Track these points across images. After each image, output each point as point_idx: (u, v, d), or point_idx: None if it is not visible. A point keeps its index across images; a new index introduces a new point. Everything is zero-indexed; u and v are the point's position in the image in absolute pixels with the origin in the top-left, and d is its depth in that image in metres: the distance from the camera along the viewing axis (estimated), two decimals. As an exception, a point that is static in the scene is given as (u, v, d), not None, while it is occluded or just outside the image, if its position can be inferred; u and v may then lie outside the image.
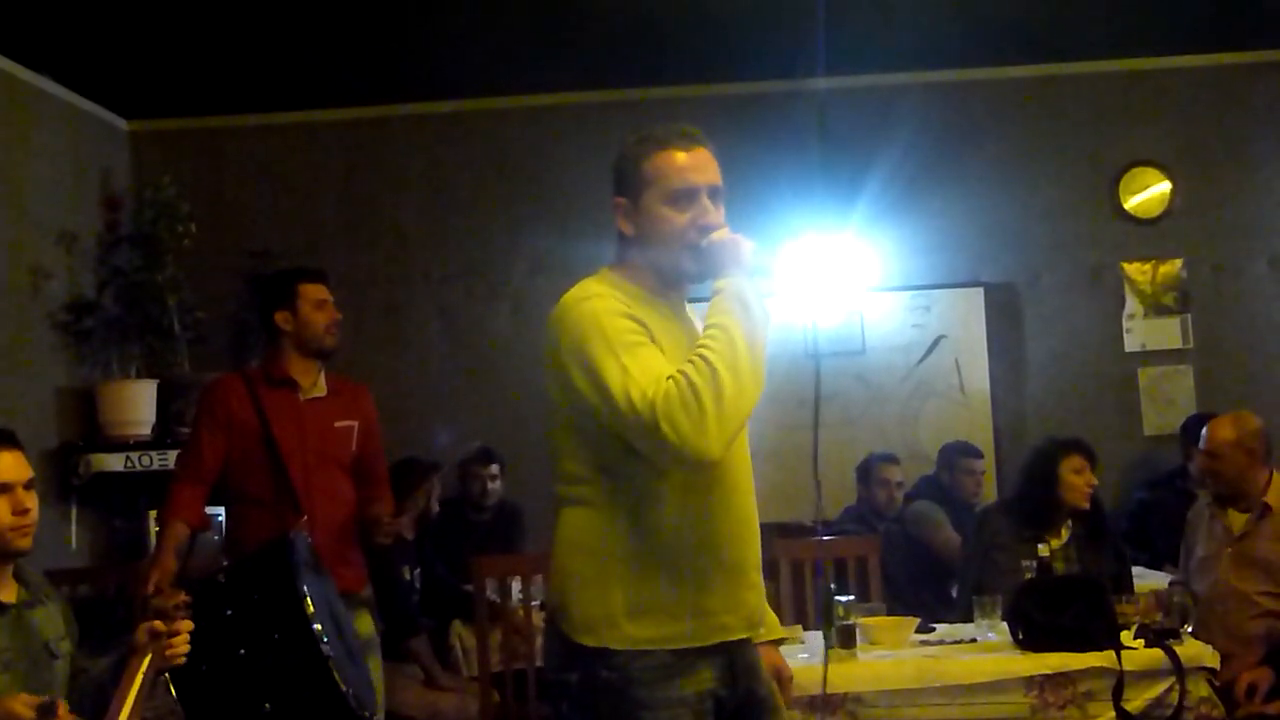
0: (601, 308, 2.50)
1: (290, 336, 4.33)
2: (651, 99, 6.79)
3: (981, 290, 6.80)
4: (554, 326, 2.56)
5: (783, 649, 3.62)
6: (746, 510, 2.65)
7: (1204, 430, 4.80)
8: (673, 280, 2.64)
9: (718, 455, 2.38)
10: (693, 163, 2.60)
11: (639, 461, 2.48)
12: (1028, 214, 6.85)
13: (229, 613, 3.52)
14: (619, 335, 2.45)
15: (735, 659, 2.64)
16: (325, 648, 3.52)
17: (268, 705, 3.47)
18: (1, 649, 2.98)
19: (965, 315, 6.80)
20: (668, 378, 2.38)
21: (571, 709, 2.59)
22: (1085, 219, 6.85)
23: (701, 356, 2.39)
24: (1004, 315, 6.81)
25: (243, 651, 3.47)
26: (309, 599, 3.56)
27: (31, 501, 3.07)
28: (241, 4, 5.39)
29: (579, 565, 2.58)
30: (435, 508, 5.85)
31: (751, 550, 2.65)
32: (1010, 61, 6.75)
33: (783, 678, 2.91)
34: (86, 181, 6.45)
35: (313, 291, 4.35)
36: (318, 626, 3.53)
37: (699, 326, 2.58)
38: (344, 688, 3.53)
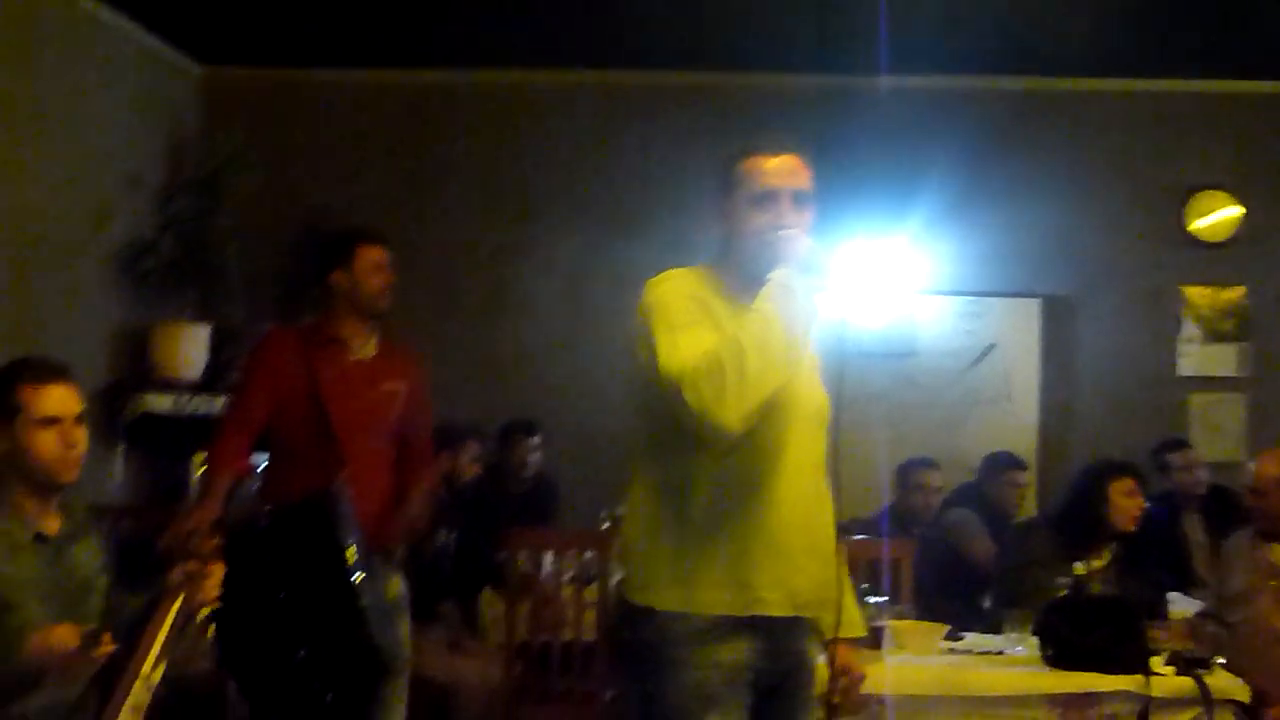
0: (671, 289, 2.72)
1: (344, 296, 4.34)
2: (715, 85, 6.80)
3: (1037, 301, 6.76)
4: (638, 306, 2.75)
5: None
6: (804, 498, 2.76)
7: (1251, 465, 4.75)
8: (755, 277, 2.73)
9: (734, 428, 2.54)
10: (778, 167, 2.75)
11: (686, 437, 2.63)
12: (1090, 228, 6.79)
13: (269, 558, 3.56)
14: (679, 315, 2.66)
15: (779, 638, 2.75)
16: (363, 600, 3.55)
17: (301, 652, 3.51)
18: (41, 580, 3.02)
19: (1019, 325, 6.76)
20: (703, 353, 2.55)
21: (623, 663, 2.83)
22: (1148, 238, 6.79)
23: (735, 337, 2.56)
24: (1058, 328, 6.76)
25: (282, 596, 3.51)
26: (350, 551, 3.60)
27: (80, 435, 3.11)
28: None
29: (635, 531, 2.79)
30: (470, 471, 5.85)
31: (805, 536, 2.75)
32: (1086, 73, 6.69)
33: (852, 676, 2.94)
34: (154, 123, 6.50)
35: (370, 254, 4.35)
36: (356, 578, 3.57)
37: None
38: (376, 641, 3.57)
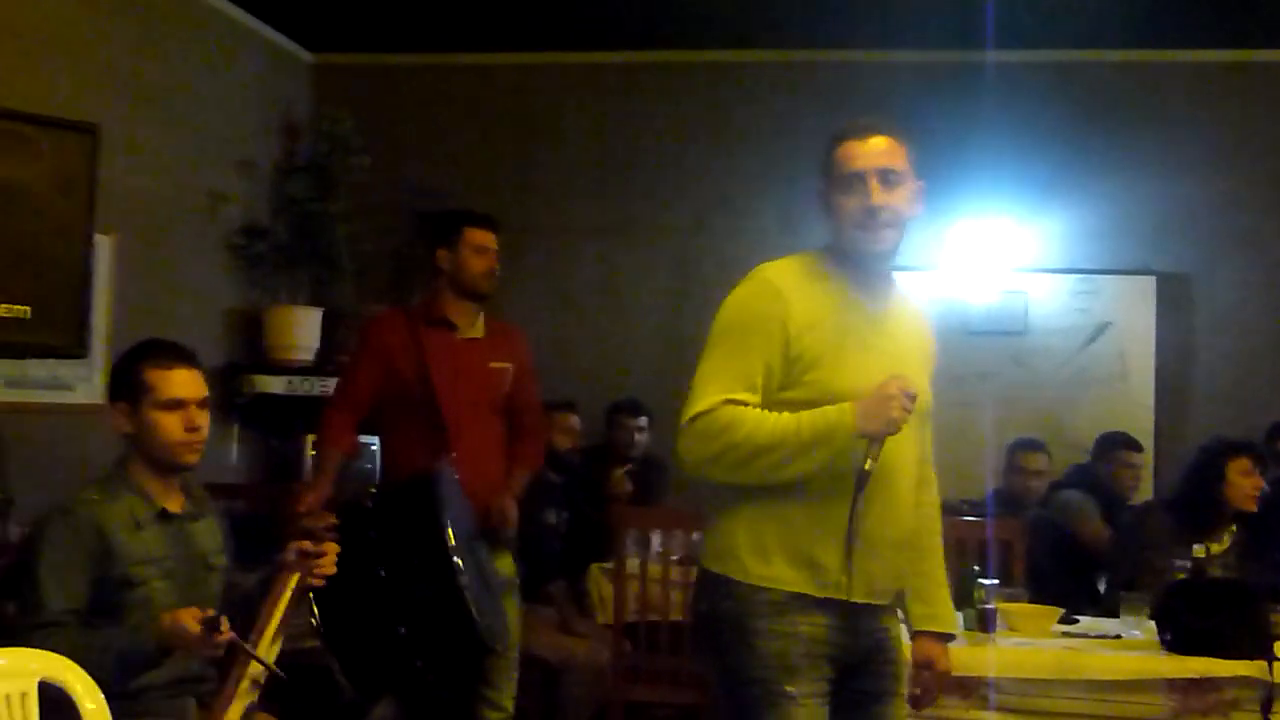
0: (749, 295, 2.74)
1: (447, 276, 4.38)
2: (820, 63, 6.75)
3: (1153, 279, 6.61)
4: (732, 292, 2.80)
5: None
6: (897, 492, 2.75)
7: None
8: (856, 259, 2.77)
9: (706, 481, 2.69)
10: (862, 150, 2.75)
11: None
12: (1208, 203, 6.62)
13: (372, 535, 3.61)
14: (730, 345, 2.70)
15: (859, 618, 2.74)
16: (462, 579, 3.58)
17: (402, 629, 3.55)
18: (163, 557, 3.08)
19: (1134, 303, 6.62)
20: (726, 401, 2.62)
21: (701, 634, 2.83)
22: (1268, 213, 6.60)
23: (758, 424, 2.60)
24: (1175, 306, 6.61)
25: (382, 573, 3.55)
26: (450, 530, 3.63)
27: (204, 420, 3.16)
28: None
29: (717, 502, 2.79)
30: (564, 443, 5.87)
31: (890, 529, 2.75)
32: (1202, 45, 6.52)
33: (935, 669, 2.94)
34: (268, 110, 6.62)
35: (476, 236, 4.38)
36: (457, 560, 3.59)
37: (905, 306, 2.87)
38: (477, 619, 3.59)
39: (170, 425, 3.10)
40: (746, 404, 2.63)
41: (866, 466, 2.58)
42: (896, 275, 2.90)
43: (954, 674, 3.14)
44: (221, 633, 2.79)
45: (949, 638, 2.99)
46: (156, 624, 2.87)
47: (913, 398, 2.59)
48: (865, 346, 2.72)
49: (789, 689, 2.65)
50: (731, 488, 2.74)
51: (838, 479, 2.64)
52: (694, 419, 2.63)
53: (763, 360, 2.67)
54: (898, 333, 2.83)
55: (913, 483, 2.82)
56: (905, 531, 2.80)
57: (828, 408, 2.60)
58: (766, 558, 2.69)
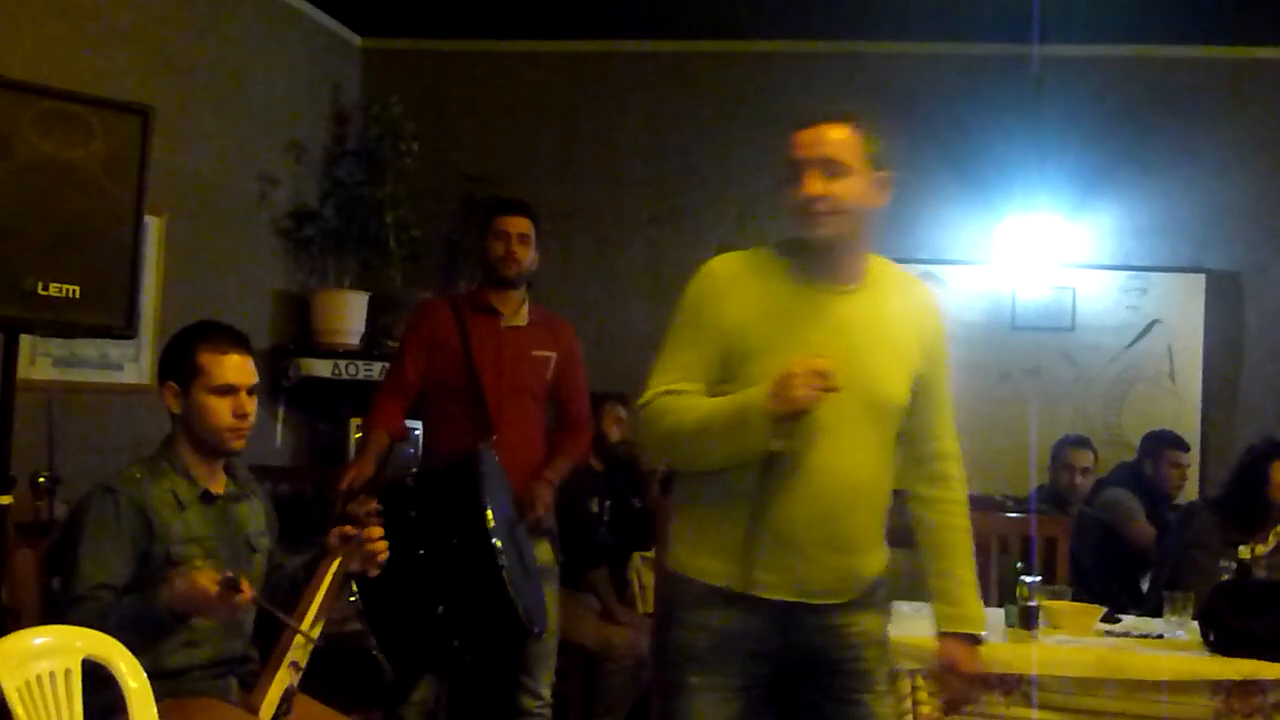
0: (692, 288, 2.79)
1: (480, 263, 4.43)
2: (867, 54, 6.71)
3: (1203, 277, 6.56)
4: None
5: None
6: (836, 489, 2.68)
7: None
8: (811, 249, 2.74)
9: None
10: (800, 140, 2.74)
11: None
12: (1259, 201, 6.55)
13: (412, 514, 3.62)
14: (680, 334, 2.77)
15: (792, 618, 2.71)
16: (501, 559, 3.59)
17: (441, 608, 3.56)
18: (205, 536, 3.10)
19: (1183, 301, 6.57)
20: (666, 391, 2.68)
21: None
22: (1320, 212, 6.53)
23: (687, 411, 2.65)
24: (1225, 305, 6.55)
25: (422, 552, 3.56)
26: (490, 512, 3.64)
27: (252, 406, 3.16)
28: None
29: (676, 496, 2.89)
30: (615, 434, 5.88)
31: (818, 529, 2.69)
32: (1253, 40, 6.44)
33: (961, 671, 2.89)
34: (318, 95, 6.65)
35: (498, 223, 4.38)
36: (496, 541, 3.60)
37: (885, 297, 2.77)
38: (516, 600, 3.60)
39: (220, 410, 3.11)
40: (684, 393, 2.67)
41: (774, 447, 2.56)
42: (884, 265, 2.83)
43: (996, 671, 3.09)
44: (241, 593, 2.76)
45: (975, 639, 2.91)
46: (170, 585, 2.84)
47: (823, 376, 2.49)
48: (807, 340, 2.64)
49: (692, 679, 2.70)
50: (681, 479, 2.81)
51: (750, 473, 2.63)
52: (639, 410, 2.72)
53: (700, 351, 2.70)
54: (861, 324, 2.72)
55: (865, 481, 2.72)
56: (846, 533, 2.72)
57: (747, 389, 2.58)
58: (694, 549, 2.75)
